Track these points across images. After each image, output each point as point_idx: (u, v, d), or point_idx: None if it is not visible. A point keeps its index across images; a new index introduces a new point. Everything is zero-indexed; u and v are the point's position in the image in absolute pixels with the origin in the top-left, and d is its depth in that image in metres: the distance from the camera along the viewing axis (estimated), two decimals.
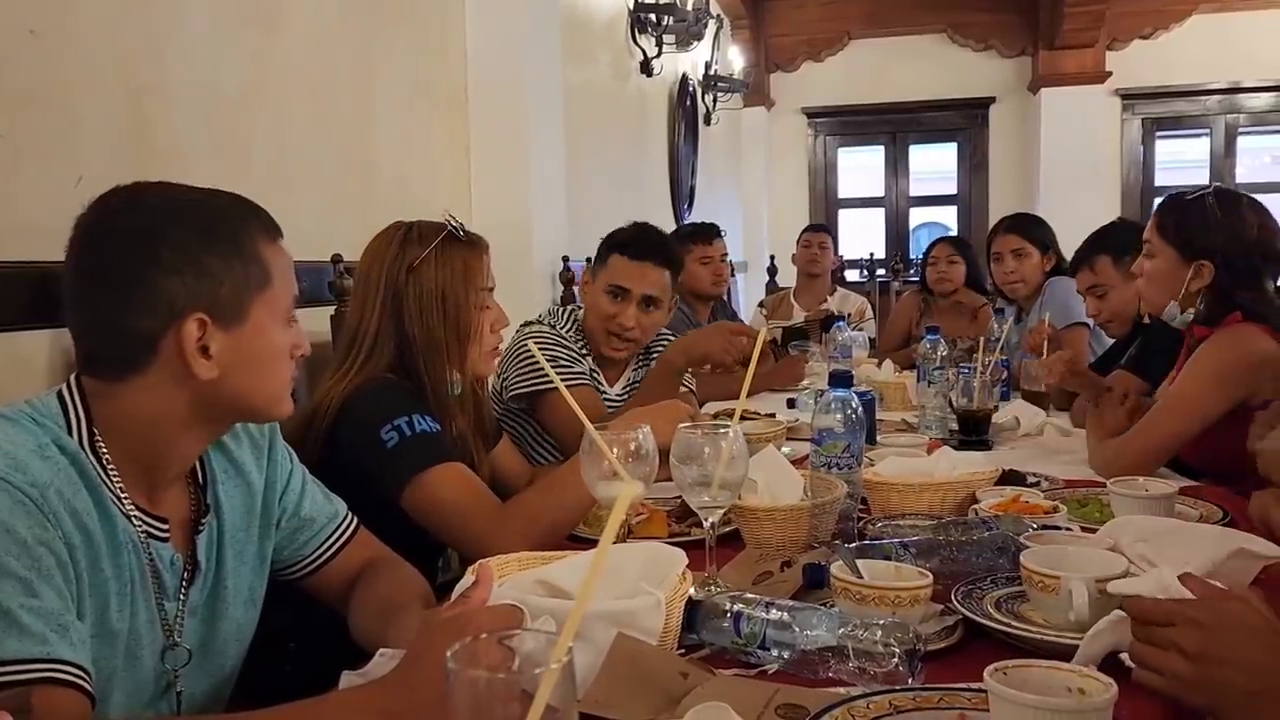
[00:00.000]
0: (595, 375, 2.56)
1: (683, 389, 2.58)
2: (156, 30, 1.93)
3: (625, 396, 2.61)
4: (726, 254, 4.19)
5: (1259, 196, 2.16)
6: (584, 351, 2.54)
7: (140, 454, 1.16)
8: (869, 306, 5.11)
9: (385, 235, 1.86)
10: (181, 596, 1.22)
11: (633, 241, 2.56)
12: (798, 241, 5.15)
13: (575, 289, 3.47)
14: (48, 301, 1.56)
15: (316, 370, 2.07)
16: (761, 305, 5.25)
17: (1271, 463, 1.57)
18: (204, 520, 1.25)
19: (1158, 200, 2.33)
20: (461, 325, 1.80)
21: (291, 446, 1.45)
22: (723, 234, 4.21)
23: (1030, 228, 3.78)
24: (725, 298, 4.52)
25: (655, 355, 2.68)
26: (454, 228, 1.84)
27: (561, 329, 2.52)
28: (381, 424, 1.67)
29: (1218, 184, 2.19)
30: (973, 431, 2.42)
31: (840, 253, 5.42)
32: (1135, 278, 2.25)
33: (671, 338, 2.75)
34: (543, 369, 2.29)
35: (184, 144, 2.00)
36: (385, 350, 1.79)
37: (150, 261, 1.10)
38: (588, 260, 2.67)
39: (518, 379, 2.39)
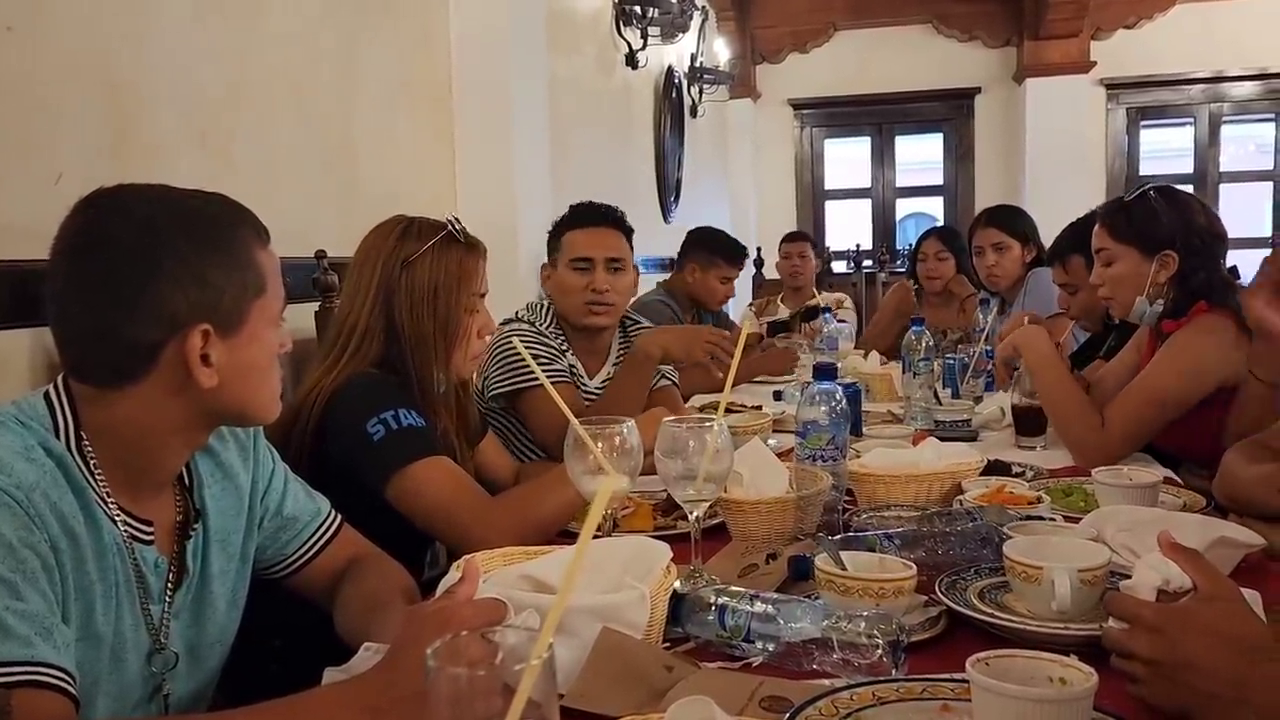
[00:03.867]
0: (575, 370, 2.56)
1: (665, 381, 2.58)
2: (136, 26, 1.91)
3: (604, 388, 2.61)
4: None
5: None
6: (564, 348, 2.54)
7: (129, 459, 1.15)
8: (848, 298, 5.15)
9: (384, 228, 1.86)
10: (167, 600, 1.21)
11: (581, 214, 2.60)
12: (779, 251, 5.18)
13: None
14: (28, 301, 1.55)
15: (301, 365, 2.07)
16: (751, 305, 5.31)
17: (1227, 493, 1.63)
18: (194, 526, 1.25)
19: None
20: (450, 325, 1.80)
21: (277, 442, 1.44)
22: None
23: (1010, 220, 3.79)
24: None
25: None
26: (454, 227, 1.84)
27: (541, 325, 2.52)
28: (367, 418, 1.67)
29: (1152, 183, 2.29)
30: (1032, 430, 2.33)
31: (823, 253, 5.43)
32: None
33: (649, 326, 2.74)
34: (523, 367, 2.30)
35: (165, 141, 1.98)
36: (373, 344, 1.78)
37: (151, 273, 1.09)
38: (543, 266, 2.67)
39: (498, 378, 2.39)
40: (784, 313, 4.84)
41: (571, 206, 2.66)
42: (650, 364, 2.43)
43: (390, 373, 1.78)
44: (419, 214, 1.89)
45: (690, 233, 4.35)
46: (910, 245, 5.42)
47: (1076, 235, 2.96)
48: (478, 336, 1.87)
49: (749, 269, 6.36)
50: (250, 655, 1.41)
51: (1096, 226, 2.31)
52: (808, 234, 5.54)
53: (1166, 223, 2.17)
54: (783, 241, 5.25)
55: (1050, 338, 2.33)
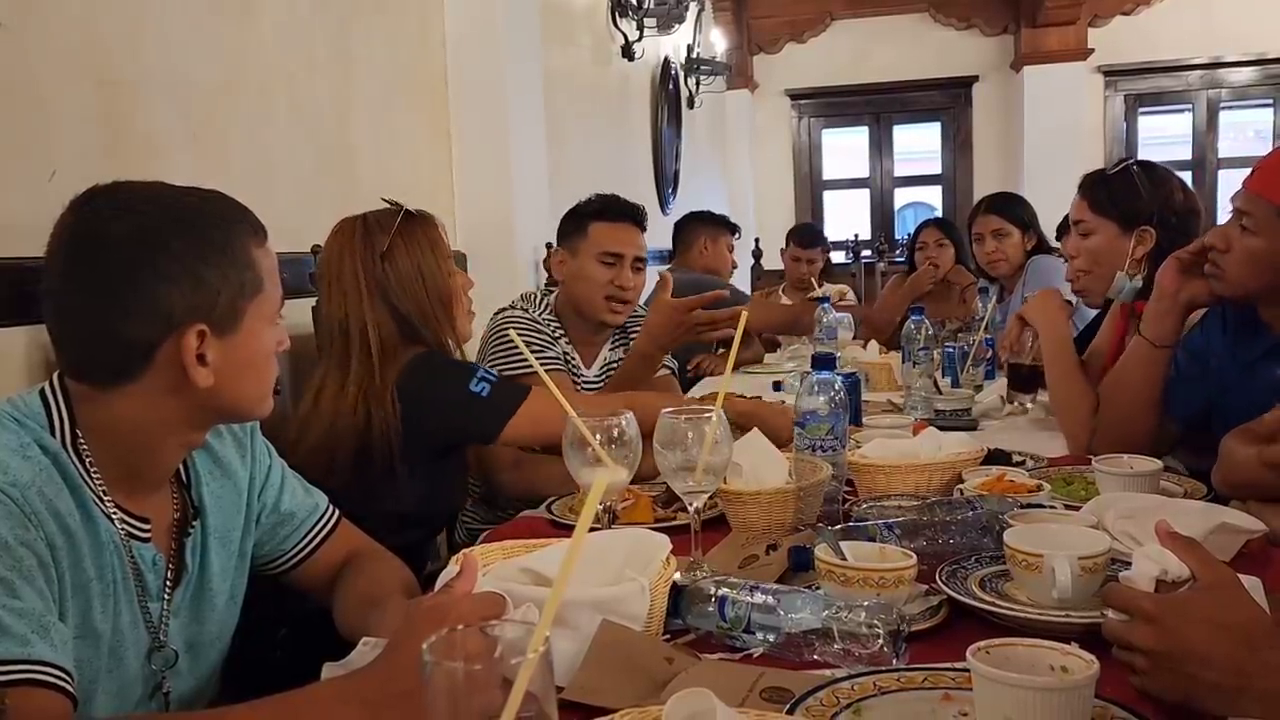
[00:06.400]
0: (570, 359, 2.56)
1: (663, 370, 2.58)
2: (129, 22, 1.90)
3: (602, 377, 2.61)
4: None
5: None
6: (557, 335, 2.54)
7: (125, 456, 1.15)
8: (850, 290, 5.13)
9: (342, 234, 1.91)
10: (165, 597, 1.21)
11: (610, 208, 2.60)
12: (786, 249, 5.12)
13: (550, 270, 3.44)
14: (24, 299, 1.55)
15: (298, 360, 2.07)
16: (752, 296, 5.30)
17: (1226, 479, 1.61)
18: (192, 524, 1.25)
19: None
20: (444, 293, 1.90)
21: (349, 454, 1.59)
22: None
23: (1009, 207, 3.79)
24: None
25: (633, 335, 2.68)
26: (400, 207, 1.90)
27: (536, 314, 2.53)
28: (467, 381, 1.84)
29: (1134, 157, 2.32)
30: (1027, 386, 2.40)
31: (828, 247, 5.38)
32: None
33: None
34: (520, 355, 2.30)
35: (159, 137, 1.98)
36: (391, 335, 1.85)
37: (147, 272, 1.09)
38: (549, 245, 2.67)
39: (494, 367, 2.39)
40: (786, 304, 4.84)
41: (600, 196, 2.65)
42: (653, 362, 2.43)
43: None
44: (415, 209, 1.94)
45: (681, 220, 4.52)
46: (909, 235, 5.39)
47: None
48: (465, 294, 1.99)
49: (748, 260, 6.35)
50: (256, 644, 1.41)
51: (1076, 198, 2.31)
52: (822, 236, 5.38)
53: (1146, 198, 2.18)
54: (793, 240, 5.12)
55: (1064, 313, 2.33)
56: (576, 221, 2.61)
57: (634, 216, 2.60)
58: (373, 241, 1.86)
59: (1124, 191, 2.21)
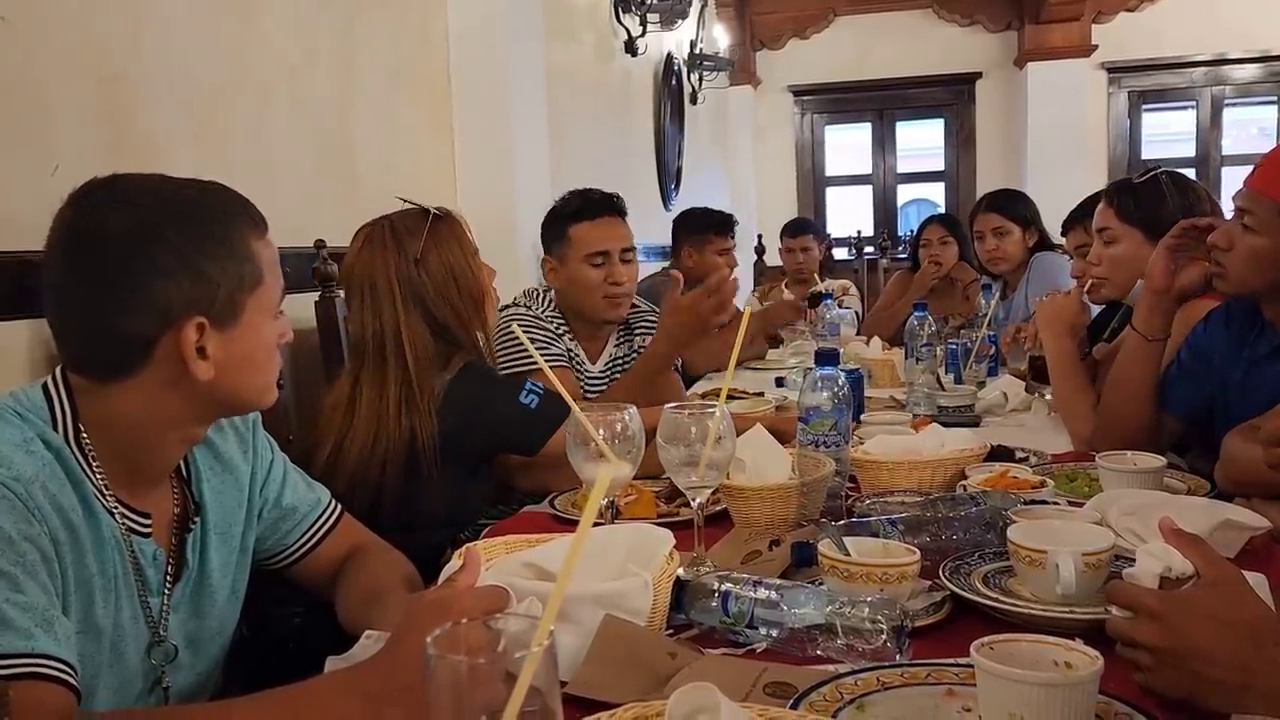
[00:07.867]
0: (574, 356, 2.56)
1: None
2: (131, 17, 1.90)
3: (607, 373, 2.61)
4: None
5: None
6: (560, 332, 2.54)
7: (127, 451, 1.15)
8: (852, 285, 5.13)
9: (370, 242, 1.89)
10: (166, 592, 1.21)
11: (587, 205, 2.57)
12: (781, 244, 5.12)
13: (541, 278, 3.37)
14: (26, 292, 1.54)
15: (299, 356, 2.07)
16: (754, 292, 5.29)
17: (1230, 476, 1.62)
18: (193, 520, 1.25)
19: None
20: (476, 291, 1.91)
21: (401, 464, 1.63)
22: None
23: (1010, 205, 3.79)
24: None
25: (638, 330, 2.68)
26: (426, 209, 1.90)
27: (539, 310, 2.52)
28: (517, 394, 1.86)
29: (1163, 167, 2.32)
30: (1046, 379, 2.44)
31: (826, 239, 5.33)
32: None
33: (651, 316, 2.73)
34: (522, 352, 2.31)
35: (161, 132, 1.97)
36: (423, 340, 1.85)
37: (146, 266, 1.09)
38: (545, 260, 2.64)
39: (499, 361, 2.39)
40: (788, 299, 4.83)
41: (572, 195, 2.62)
42: (668, 364, 2.40)
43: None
44: (439, 207, 1.94)
45: (674, 221, 4.42)
46: (912, 231, 5.38)
47: (1094, 205, 2.97)
48: (491, 286, 1.99)
49: (750, 255, 6.34)
50: (268, 635, 1.42)
51: (1101, 205, 2.33)
52: (811, 224, 5.38)
53: (1173, 208, 2.17)
54: (784, 234, 5.13)
55: (1076, 317, 2.34)
56: (557, 228, 2.58)
57: (612, 208, 2.57)
58: (405, 249, 1.85)
59: (1151, 200, 2.22)
